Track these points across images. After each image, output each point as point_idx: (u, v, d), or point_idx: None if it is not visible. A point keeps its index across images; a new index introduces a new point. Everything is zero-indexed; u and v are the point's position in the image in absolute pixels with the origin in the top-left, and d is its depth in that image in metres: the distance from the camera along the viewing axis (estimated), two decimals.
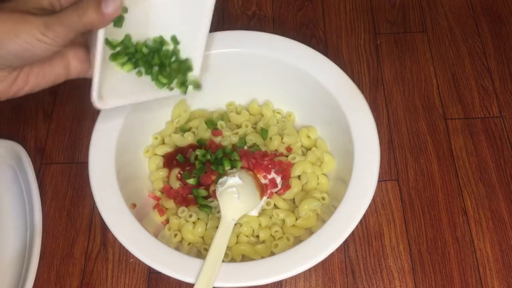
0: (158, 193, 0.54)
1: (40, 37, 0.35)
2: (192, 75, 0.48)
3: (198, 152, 0.53)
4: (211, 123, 0.56)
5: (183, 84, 0.48)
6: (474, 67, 0.67)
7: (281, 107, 0.60)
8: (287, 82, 0.56)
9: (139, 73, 0.45)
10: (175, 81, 0.47)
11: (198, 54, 0.47)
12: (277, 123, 0.58)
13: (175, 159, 0.54)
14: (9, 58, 0.36)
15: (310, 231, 0.50)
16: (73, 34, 0.36)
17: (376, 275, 0.54)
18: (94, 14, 0.35)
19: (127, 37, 0.44)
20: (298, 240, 0.48)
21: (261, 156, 0.53)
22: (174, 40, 0.46)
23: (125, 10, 0.41)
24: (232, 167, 0.53)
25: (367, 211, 0.46)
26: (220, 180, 0.50)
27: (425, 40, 0.69)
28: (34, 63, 0.38)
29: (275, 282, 0.53)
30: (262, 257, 0.47)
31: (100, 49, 0.39)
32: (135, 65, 0.45)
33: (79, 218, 0.56)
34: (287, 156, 0.55)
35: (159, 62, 0.46)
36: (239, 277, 0.43)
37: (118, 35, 0.43)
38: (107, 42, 0.42)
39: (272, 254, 0.48)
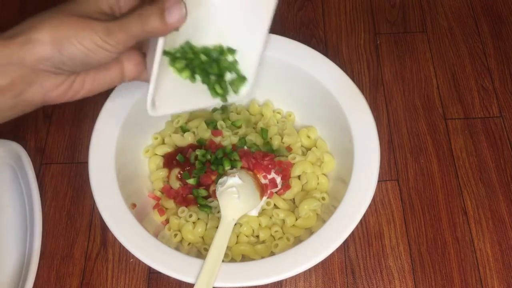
0: (158, 193, 0.54)
1: (101, 43, 0.34)
2: (244, 85, 0.47)
3: (198, 152, 0.53)
4: (211, 123, 0.57)
5: (235, 92, 0.46)
6: (474, 67, 0.67)
7: (281, 107, 0.60)
8: (287, 82, 0.56)
9: (193, 79, 0.44)
10: (230, 92, 0.46)
11: (253, 64, 0.45)
12: (277, 123, 0.58)
13: (175, 159, 0.54)
14: (69, 63, 0.35)
15: (310, 231, 0.50)
16: (134, 41, 0.36)
17: (376, 275, 0.54)
18: (158, 23, 0.34)
19: (188, 43, 0.43)
20: (298, 240, 0.48)
21: (261, 156, 0.53)
22: (231, 51, 0.45)
23: None
24: (232, 167, 0.53)
25: (367, 211, 0.46)
26: (220, 180, 0.50)
27: (425, 40, 0.69)
28: (91, 68, 0.38)
29: (275, 282, 0.53)
30: (262, 257, 0.47)
31: (158, 57, 0.38)
32: (192, 72, 0.44)
33: (79, 218, 0.56)
34: (287, 157, 0.55)
35: (218, 71, 0.45)
36: (239, 277, 0.43)
37: (174, 39, 0.42)
38: (165, 52, 0.41)
39: (272, 254, 0.48)
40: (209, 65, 0.44)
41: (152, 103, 0.41)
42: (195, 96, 0.45)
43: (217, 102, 0.46)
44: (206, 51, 0.44)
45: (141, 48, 0.41)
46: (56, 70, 0.35)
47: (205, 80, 0.45)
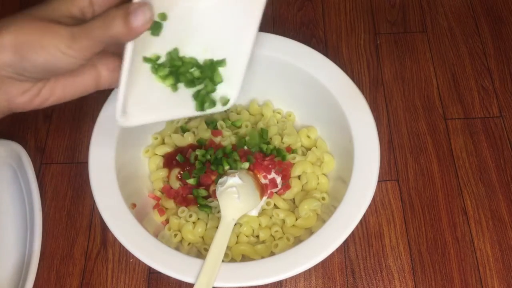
0: (158, 193, 0.54)
1: (65, 50, 0.32)
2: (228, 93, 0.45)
3: (198, 152, 0.53)
4: (211, 123, 0.57)
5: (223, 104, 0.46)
6: (474, 67, 0.67)
7: (281, 107, 0.60)
8: (287, 82, 0.56)
9: (175, 88, 0.42)
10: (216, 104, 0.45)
11: (240, 72, 0.44)
12: (277, 123, 0.58)
13: (175, 159, 0.54)
14: (31, 70, 0.33)
15: (310, 231, 0.50)
16: (100, 47, 0.34)
17: (376, 275, 0.54)
18: (121, 27, 0.33)
19: (175, 51, 0.41)
20: (298, 240, 0.48)
21: (261, 156, 0.53)
22: (220, 63, 0.44)
23: (163, 17, 0.38)
24: (231, 167, 0.53)
25: (367, 211, 0.46)
26: (220, 180, 0.50)
27: (425, 40, 0.69)
28: (59, 75, 0.36)
29: (275, 282, 0.53)
30: (262, 257, 0.47)
31: (127, 64, 0.36)
32: (176, 80, 0.42)
33: (79, 218, 0.56)
34: (285, 156, 0.55)
35: (205, 85, 0.43)
36: (239, 277, 0.43)
37: (160, 45, 0.40)
38: (145, 59, 0.40)
39: (272, 254, 0.48)
40: (197, 78, 0.43)
41: (122, 111, 0.39)
42: (173, 106, 0.43)
43: (195, 113, 0.44)
44: (194, 61, 0.43)
45: (121, 53, 0.38)
46: (19, 77, 0.34)
47: (189, 87, 0.43)
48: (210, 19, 0.42)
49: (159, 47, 0.41)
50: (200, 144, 0.55)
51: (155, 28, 0.38)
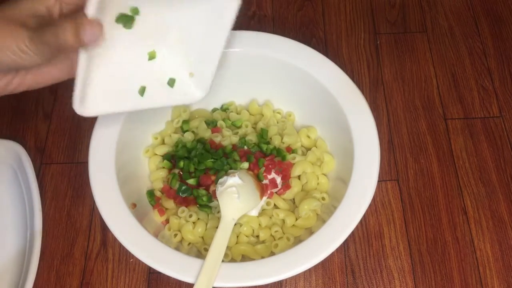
0: (158, 193, 0.54)
1: (26, 50, 0.34)
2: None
3: (182, 162, 0.53)
4: (211, 123, 0.57)
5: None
6: (474, 67, 0.67)
7: (281, 107, 0.60)
8: (287, 82, 0.56)
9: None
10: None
11: (211, 68, 0.44)
12: (277, 123, 0.58)
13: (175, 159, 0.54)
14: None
15: (310, 231, 0.50)
16: (56, 52, 0.35)
17: (376, 275, 0.54)
18: (72, 38, 0.34)
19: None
20: (298, 240, 0.48)
21: (261, 156, 0.53)
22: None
23: (135, 11, 0.40)
24: (231, 167, 0.53)
25: (367, 211, 0.46)
26: (220, 180, 0.50)
27: (425, 40, 0.69)
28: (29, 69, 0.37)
29: (275, 282, 0.53)
30: (262, 257, 0.47)
31: (81, 68, 0.37)
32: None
33: (79, 218, 0.56)
34: (285, 156, 0.55)
35: None
36: (239, 277, 0.43)
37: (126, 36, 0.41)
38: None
39: (272, 254, 0.48)
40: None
41: (80, 100, 0.40)
42: (135, 97, 0.43)
43: (162, 103, 0.44)
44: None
45: None
46: None
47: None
48: (183, 18, 0.42)
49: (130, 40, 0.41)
50: (190, 149, 0.55)
51: (127, 21, 0.39)
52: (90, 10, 0.35)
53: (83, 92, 0.40)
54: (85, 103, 0.40)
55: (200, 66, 0.44)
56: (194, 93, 0.45)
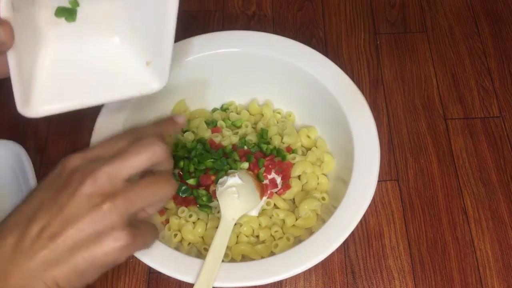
0: None
1: None
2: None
3: (182, 162, 0.53)
4: (211, 123, 0.57)
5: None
6: (474, 67, 0.67)
7: (281, 107, 0.60)
8: (287, 82, 0.56)
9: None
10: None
11: (166, 57, 0.41)
12: (277, 123, 0.58)
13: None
14: None
15: (310, 231, 0.50)
16: None
17: (376, 275, 0.54)
18: None
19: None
20: (298, 240, 0.48)
21: (262, 156, 0.53)
22: None
23: (75, 4, 0.38)
24: (231, 167, 0.53)
25: (367, 211, 0.46)
26: (220, 180, 0.50)
27: (425, 40, 0.69)
28: None
29: (275, 282, 0.53)
30: (262, 257, 0.47)
31: (13, 67, 0.35)
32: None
33: None
34: (285, 156, 0.55)
35: None
36: (239, 277, 0.43)
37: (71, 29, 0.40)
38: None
39: (272, 254, 0.48)
40: None
41: (23, 102, 0.37)
42: (84, 94, 0.41)
43: (119, 96, 0.42)
44: None
45: None
46: None
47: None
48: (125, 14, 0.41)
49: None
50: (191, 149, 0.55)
51: (70, 14, 0.38)
52: (2, 11, 0.33)
53: (26, 91, 0.38)
54: (30, 103, 0.38)
55: (155, 55, 0.42)
56: (152, 83, 0.42)
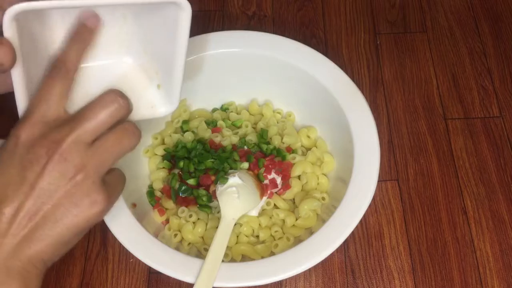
0: (158, 193, 0.54)
1: None
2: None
3: (182, 162, 0.53)
4: (211, 123, 0.57)
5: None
6: (474, 67, 0.67)
7: (281, 107, 0.60)
8: (287, 82, 0.56)
9: None
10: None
11: (177, 82, 0.41)
12: (277, 123, 0.58)
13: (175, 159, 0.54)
14: None
15: (310, 231, 0.50)
16: None
17: (376, 275, 0.54)
18: None
19: None
20: (298, 240, 0.48)
21: (262, 157, 0.53)
22: None
23: None
24: (231, 167, 0.53)
25: (367, 211, 0.46)
26: (220, 181, 0.50)
27: (425, 40, 0.69)
28: None
29: (275, 282, 0.53)
30: (262, 257, 0.47)
31: (18, 87, 0.35)
32: None
33: None
34: (285, 156, 0.55)
35: None
36: (239, 277, 0.43)
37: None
38: None
39: (272, 254, 0.48)
40: None
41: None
42: None
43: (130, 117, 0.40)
44: None
45: None
46: None
47: None
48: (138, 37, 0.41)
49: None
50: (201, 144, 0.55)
51: None
52: (5, 31, 0.33)
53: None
54: None
55: (166, 77, 0.42)
56: (161, 106, 0.42)
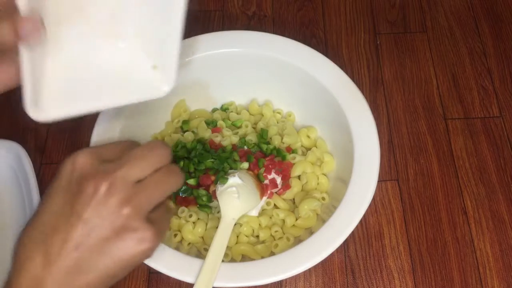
0: None
1: None
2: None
3: (181, 162, 0.53)
4: (211, 123, 0.57)
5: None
6: (474, 67, 0.67)
7: (281, 107, 0.60)
8: (287, 82, 0.56)
9: None
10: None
11: (173, 58, 0.41)
12: (277, 123, 0.58)
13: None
14: None
15: (310, 231, 0.50)
16: None
17: (376, 275, 0.54)
18: (10, 33, 0.33)
19: None
20: (298, 240, 0.48)
21: (262, 157, 0.53)
22: None
23: None
24: (231, 167, 0.53)
25: (367, 211, 0.46)
26: (220, 181, 0.50)
27: (425, 40, 0.69)
28: None
29: (275, 282, 0.53)
30: (262, 257, 0.47)
31: (26, 67, 0.35)
32: None
33: None
34: (285, 156, 0.55)
35: None
36: (239, 277, 0.43)
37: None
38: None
39: (272, 254, 0.48)
40: None
41: (32, 105, 0.36)
42: (95, 97, 0.41)
43: (127, 100, 0.41)
44: None
45: None
46: None
47: None
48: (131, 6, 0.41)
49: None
50: (201, 144, 0.55)
51: None
52: (21, 7, 0.33)
53: (35, 93, 0.37)
54: (40, 106, 0.38)
55: (161, 59, 0.42)
56: (159, 87, 0.42)
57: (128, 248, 0.34)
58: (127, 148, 0.38)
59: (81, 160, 0.36)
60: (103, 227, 0.34)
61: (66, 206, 0.34)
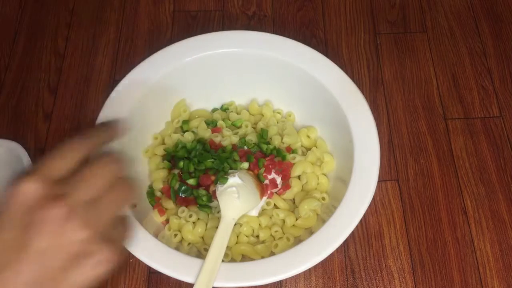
0: (158, 193, 0.54)
1: None
2: None
3: (182, 162, 0.53)
4: (211, 123, 0.57)
5: None
6: (474, 67, 0.67)
7: (281, 107, 0.60)
8: (287, 82, 0.56)
9: None
10: None
11: None
12: (277, 123, 0.58)
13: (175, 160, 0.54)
14: None
15: (310, 231, 0.50)
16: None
17: (376, 275, 0.54)
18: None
19: None
20: (298, 240, 0.48)
21: (262, 157, 0.53)
22: None
23: None
24: (231, 168, 0.53)
25: (367, 211, 0.46)
26: (220, 181, 0.50)
27: (425, 40, 0.69)
28: None
29: (275, 282, 0.53)
30: (262, 257, 0.47)
31: None
32: None
33: None
34: (285, 156, 0.55)
35: None
36: (239, 277, 0.43)
37: None
38: None
39: (272, 254, 0.48)
40: None
41: None
42: None
43: None
44: None
45: None
46: None
47: None
48: None
49: None
50: (201, 144, 0.55)
51: None
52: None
53: None
54: None
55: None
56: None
57: (84, 273, 0.33)
58: (76, 160, 0.36)
59: (27, 189, 0.34)
60: (58, 257, 0.33)
61: (17, 240, 0.33)
